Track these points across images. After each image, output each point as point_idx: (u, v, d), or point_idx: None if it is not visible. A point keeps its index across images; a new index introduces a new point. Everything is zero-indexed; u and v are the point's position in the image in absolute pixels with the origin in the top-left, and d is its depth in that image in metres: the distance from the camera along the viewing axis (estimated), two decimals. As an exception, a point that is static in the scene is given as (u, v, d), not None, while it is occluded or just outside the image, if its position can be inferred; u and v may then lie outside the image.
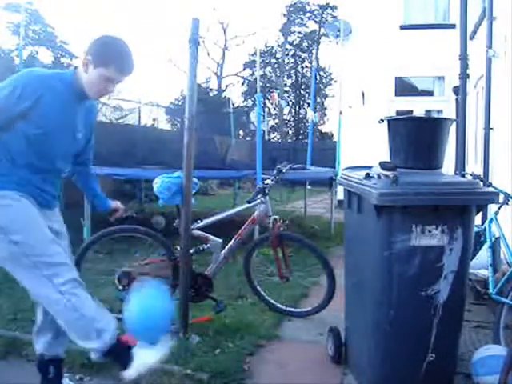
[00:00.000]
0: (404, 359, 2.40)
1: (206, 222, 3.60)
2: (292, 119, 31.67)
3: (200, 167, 4.63)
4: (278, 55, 31.07)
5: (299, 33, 31.27)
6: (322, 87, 29.03)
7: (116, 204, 2.68)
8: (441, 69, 10.12)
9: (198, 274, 3.51)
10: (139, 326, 2.16)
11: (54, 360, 2.36)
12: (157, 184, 3.30)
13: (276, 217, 3.66)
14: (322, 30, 28.01)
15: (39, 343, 2.35)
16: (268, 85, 30.15)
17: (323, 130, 29.87)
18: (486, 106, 5.60)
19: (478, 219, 3.89)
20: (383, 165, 2.39)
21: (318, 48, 30.41)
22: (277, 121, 29.69)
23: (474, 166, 6.61)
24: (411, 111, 10.01)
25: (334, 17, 25.94)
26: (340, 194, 8.53)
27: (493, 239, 3.56)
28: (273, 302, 3.75)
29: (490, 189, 3.00)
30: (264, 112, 17.40)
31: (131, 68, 2.18)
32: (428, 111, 10.43)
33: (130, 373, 2.13)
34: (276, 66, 30.87)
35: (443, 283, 2.34)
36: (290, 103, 31.37)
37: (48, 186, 2.24)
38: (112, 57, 2.10)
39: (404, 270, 2.32)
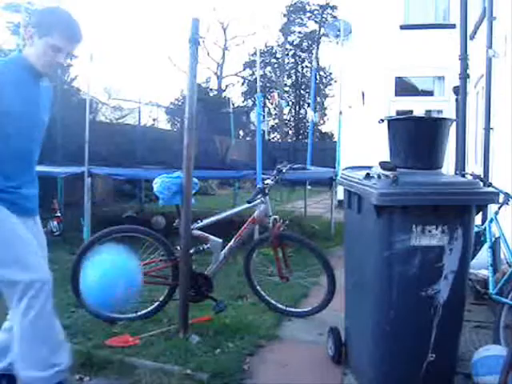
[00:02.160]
0: (404, 359, 2.40)
1: (206, 222, 3.60)
2: (292, 119, 31.65)
3: (200, 167, 4.63)
4: (278, 55, 31.05)
5: (299, 33, 31.24)
6: (322, 87, 29.00)
7: None
8: (441, 69, 10.12)
9: (198, 273, 3.51)
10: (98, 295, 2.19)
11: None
12: (157, 184, 3.30)
13: (276, 217, 3.66)
14: (322, 30, 27.99)
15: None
16: (268, 85, 30.14)
17: (323, 130, 29.86)
18: (486, 106, 5.60)
19: (478, 219, 3.89)
20: (383, 165, 2.39)
21: (318, 48, 30.38)
22: (277, 121, 29.67)
23: (474, 166, 6.62)
24: (411, 111, 10.02)
25: (334, 17, 25.93)
26: (340, 193, 8.52)
27: (493, 239, 3.56)
28: (273, 302, 3.75)
29: (490, 189, 3.00)
30: (264, 112, 17.38)
31: (77, 35, 2.13)
32: (428, 111, 10.43)
33: None
34: (276, 65, 30.86)
35: (443, 283, 2.34)
36: (290, 103, 31.35)
37: (30, 187, 2.20)
38: (55, 24, 2.06)
39: (404, 270, 2.32)
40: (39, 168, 2.44)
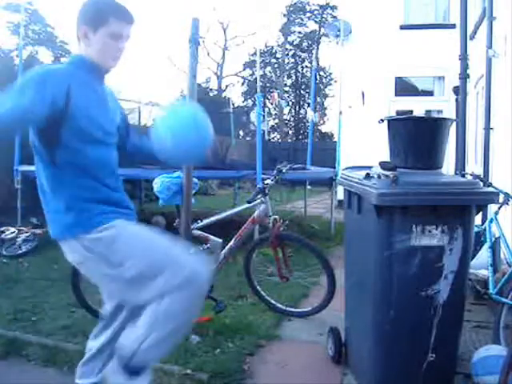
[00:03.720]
0: (404, 359, 2.40)
1: (205, 222, 3.60)
2: (292, 119, 31.66)
3: (200, 167, 4.63)
4: (278, 55, 31.06)
5: (299, 33, 31.26)
6: (322, 87, 29.02)
7: None
8: (441, 69, 10.12)
9: (198, 274, 3.50)
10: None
11: None
12: (157, 184, 3.30)
13: (276, 217, 3.66)
14: (322, 30, 28.00)
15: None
16: (268, 85, 30.15)
17: (323, 130, 29.87)
18: (486, 106, 5.60)
19: (478, 219, 3.89)
20: (383, 165, 2.39)
21: (318, 48, 30.39)
22: (277, 121, 29.68)
23: (474, 166, 6.62)
24: (411, 111, 10.02)
25: (334, 17, 25.94)
26: (340, 193, 8.52)
27: (493, 239, 3.56)
28: (273, 302, 3.75)
29: (490, 189, 3.00)
30: (264, 112, 17.40)
31: (130, 14, 1.99)
32: (428, 111, 10.43)
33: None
34: (276, 65, 30.87)
35: (443, 283, 2.34)
36: (290, 103, 31.36)
37: (121, 192, 2.07)
38: (106, 11, 1.92)
39: (404, 270, 2.32)
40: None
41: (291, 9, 30.42)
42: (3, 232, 5.66)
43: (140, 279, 1.86)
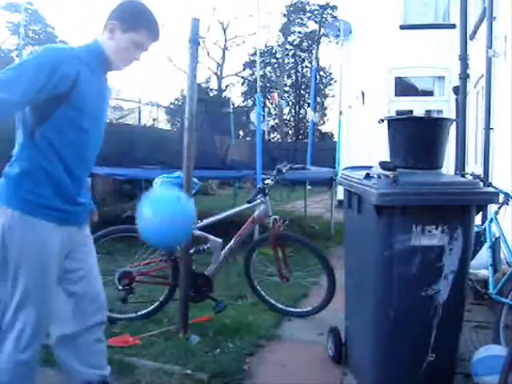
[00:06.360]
0: (404, 359, 2.40)
1: (206, 222, 3.60)
2: (292, 119, 31.64)
3: (200, 167, 4.63)
4: (278, 55, 31.05)
5: (299, 33, 31.24)
6: (322, 87, 28.99)
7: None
8: (441, 69, 10.13)
9: (198, 274, 3.51)
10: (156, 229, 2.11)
11: None
12: (157, 184, 3.30)
13: (276, 217, 3.66)
14: (322, 30, 27.99)
15: None
16: (268, 85, 30.13)
17: (323, 130, 29.86)
18: (486, 105, 5.60)
19: (478, 219, 3.89)
20: (383, 165, 2.39)
21: (318, 48, 30.36)
22: (277, 121, 29.68)
23: (474, 166, 6.61)
24: (411, 111, 10.01)
25: (334, 17, 25.89)
26: (340, 194, 8.52)
27: (493, 239, 3.56)
28: (273, 302, 3.75)
29: (490, 189, 3.00)
30: (264, 112, 17.39)
31: (159, 34, 2.02)
32: (428, 111, 10.42)
33: None
34: (276, 65, 30.86)
35: (443, 283, 2.34)
36: (290, 103, 31.35)
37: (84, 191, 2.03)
38: (142, 21, 1.95)
39: (404, 269, 2.32)
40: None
41: (291, 9, 30.40)
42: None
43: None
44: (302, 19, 30.93)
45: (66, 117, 1.84)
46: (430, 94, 11.25)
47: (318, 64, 21.08)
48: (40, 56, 1.80)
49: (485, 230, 3.68)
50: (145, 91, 36.03)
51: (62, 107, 1.82)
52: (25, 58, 1.83)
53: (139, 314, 3.42)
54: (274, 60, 31.09)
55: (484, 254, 3.61)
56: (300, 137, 29.47)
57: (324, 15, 30.00)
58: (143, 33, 1.95)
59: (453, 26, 8.77)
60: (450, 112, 9.65)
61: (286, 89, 31.04)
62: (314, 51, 29.69)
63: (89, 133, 1.93)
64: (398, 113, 10.16)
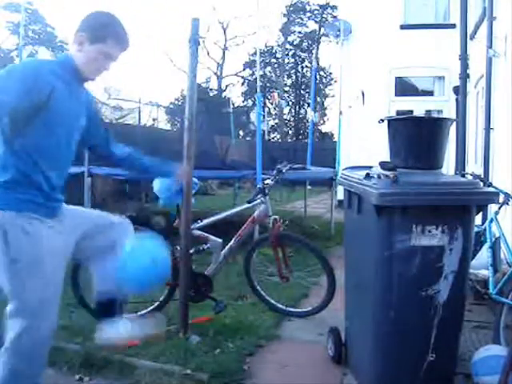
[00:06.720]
0: (404, 359, 2.40)
1: (206, 222, 3.60)
2: (292, 119, 31.65)
3: (200, 167, 4.63)
4: (278, 55, 31.06)
5: (299, 33, 31.25)
6: (322, 87, 28.99)
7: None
8: (441, 69, 10.12)
9: (198, 273, 3.51)
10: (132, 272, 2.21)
11: None
12: (157, 184, 3.30)
13: (276, 217, 3.66)
14: (322, 30, 27.98)
15: None
16: (268, 85, 30.13)
17: (323, 130, 29.86)
18: (486, 105, 5.60)
19: (478, 219, 3.89)
20: (383, 165, 2.39)
21: (318, 48, 30.38)
22: (277, 121, 29.68)
23: (474, 166, 6.61)
24: (411, 111, 10.01)
25: (334, 17, 25.91)
26: (340, 194, 8.53)
27: (493, 239, 3.56)
28: (273, 302, 3.75)
29: (490, 189, 3.00)
30: (264, 112, 17.40)
31: (128, 43, 2.09)
32: (428, 111, 10.42)
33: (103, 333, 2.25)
34: (276, 65, 30.86)
35: (443, 283, 2.34)
36: (290, 103, 31.36)
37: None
38: (108, 31, 2.02)
39: (404, 269, 2.32)
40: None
41: (291, 9, 30.40)
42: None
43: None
44: (302, 19, 30.94)
45: (39, 127, 1.92)
46: (430, 93, 11.25)
47: (317, 64, 21.09)
48: (18, 72, 1.90)
49: (485, 230, 3.68)
50: (145, 91, 36.05)
51: (36, 119, 1.90)
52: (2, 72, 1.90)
53: (139, 314, 3.42)
54: (274, 60, 31.09)
55: (484, 254, 3.61)
56: (300, 137, 29.48)
57: (324, 15, 30.00)
58: (111, 43, 2.02)
59: (453, 26, 8.76)
60: (450, 112, 9.65)
61: (286, 89, 31.05)
62: (313, 51, 29.73)
63: (59, 134, 2.01)
64: (398, 113, 10.16)
